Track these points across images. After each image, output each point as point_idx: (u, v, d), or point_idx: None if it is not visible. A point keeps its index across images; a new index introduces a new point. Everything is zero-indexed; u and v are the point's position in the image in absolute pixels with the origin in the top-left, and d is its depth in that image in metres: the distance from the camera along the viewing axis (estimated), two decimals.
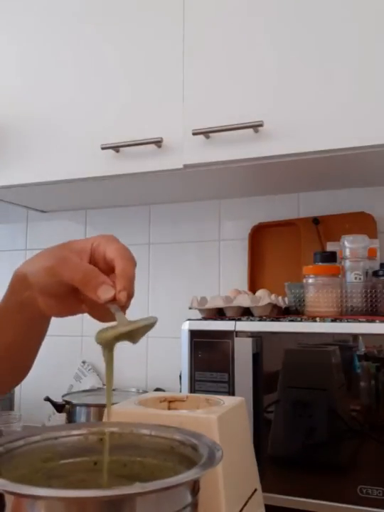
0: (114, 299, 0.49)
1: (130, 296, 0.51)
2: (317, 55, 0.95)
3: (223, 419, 0.55)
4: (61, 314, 0.55)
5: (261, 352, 0.90)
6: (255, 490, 0.62)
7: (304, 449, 0.86)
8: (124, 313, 0.51)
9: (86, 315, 0.54)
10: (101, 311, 0.52)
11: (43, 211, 1.56)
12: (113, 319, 0.51)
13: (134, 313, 1.65)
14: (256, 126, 0.95)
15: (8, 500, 0.36)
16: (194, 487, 0.41)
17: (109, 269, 0.51)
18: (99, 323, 0.52)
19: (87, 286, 0.49)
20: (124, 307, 0.51)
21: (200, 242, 1.38)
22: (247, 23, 1.00)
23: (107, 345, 0.49)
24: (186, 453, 0.46)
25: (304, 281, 1.02)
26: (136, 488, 0.35)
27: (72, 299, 0.53)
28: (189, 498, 0.40)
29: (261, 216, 1.31)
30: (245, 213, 1.33)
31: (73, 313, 0.55)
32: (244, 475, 0.61)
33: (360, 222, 1.18)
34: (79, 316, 0.55)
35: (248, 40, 1.00)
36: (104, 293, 0.49)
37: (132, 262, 0.52)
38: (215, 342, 0.93)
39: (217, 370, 0.92)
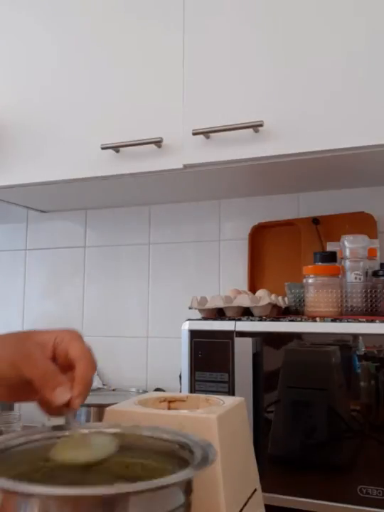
0: (68, 404, 0.49)
1: (84, 400, 0.51)
2: (318, 55, 0.95)
3: (223, 419, 0.55)
4: (10, 400, 0.54)
5: (261, 352, 0.90)
6: (255, 490, 0.62)
7: (304, 449, 0.86)
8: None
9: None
10: (49, 406, 0.51)
11: (43, 211, 1.56)
12: (54, 413, 0.51)
13: (134, 312, 1.65)
14: (256, 126, 0.95)
15: (3, 497, 0.36)
16: (187, 488, 0.41)
17: (68, 366, 0.52)
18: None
19: (44, 386, 0.49)
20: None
21: (200, 242, 1.38)
22: (247, 24, 1.00)
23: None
24: (185, 456, 0.46)
25: (304, 281, 1.02)
26: (125, 487, 0.36)
27: (26, 389, 0.51)
28: (182, 499, 0.40)
29: (261, 216, 1.31)
30: (245, 213, 1.33)
31: (21, 401, 0.54)
32: (244, 475, 0.61)
33: (360, 222, 1.18)
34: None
35: (248, 40, 1.00)
36: (60, 396, 0.48)
37: (93, 366, 0.52)
38: (215, 342, 0.93)
39: (217, 370, 0.92)
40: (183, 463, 0.46)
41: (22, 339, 0.53)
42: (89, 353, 0.52)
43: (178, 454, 0.47)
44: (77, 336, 0.54)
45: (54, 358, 0.52)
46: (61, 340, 0.52)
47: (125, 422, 0.51)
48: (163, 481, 0.37)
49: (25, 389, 0.51)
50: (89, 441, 0.49)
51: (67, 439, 0.49)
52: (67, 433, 0.49)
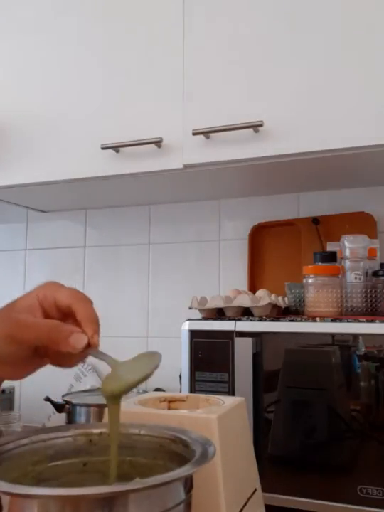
0: (88, 345, 0.48)
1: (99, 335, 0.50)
2: (317, 55, 0.95)
3: (223, 419, 0.55)
4: (19, 377, 0.52)
5: (261, 352, 0.90)
6: (255, 490, 0.62)
7: (304, 449, 0.86)
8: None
9: None
10: (67, 359, 0.50)
11: (43, 211, 1.56)
12: (75, 362, 0.50)
13: (134, 312, 1.65)
14: (256, 126, 0.95)
15: (5, 500, 0.36)
16: (187, 484, 0.41)
17: (64, 317, 0.50)
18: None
19: (57, 341, 0.47)
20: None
21: (200, 242, 1.38)
22: (247, 23, 1.00)
23: (117, 397, 0.47)
24: (177, 450, 0.46)
25: (304, 281, 1.02)
26: (135, 484, 0.36)
27: (30, 359, 0.50)
28: (182, 496, 0.40)
29: (261, 216, 1.31)
30: (245, 213, 1.33)
31: (33, 372, 0.52)
32: (244, 475, 0.61)
33: (360, 222, 1.18)
34: None
35: (248, 39, 1.00)
36: (78, 342, 0.47)
37: (90, 302, 0.51)
38: (215, 342, 0.93)
39: (217, 370, 0.92)
40: (176, 457, 0.46)
41: (6, 311, 0.50)
42: (78, 293, 0.51)
43: (169, 449, 0.47)
44: (57, 286, 0.52)
45: (47, 316, 0.50)
46: (44, 296, 0.51)
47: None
48: (163, 478, 0.37)
49: (30, 359, 0.50)
50: (131, 365, 0.49)
51: (110, 374, 0.48)
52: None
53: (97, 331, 0.49)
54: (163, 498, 0.38)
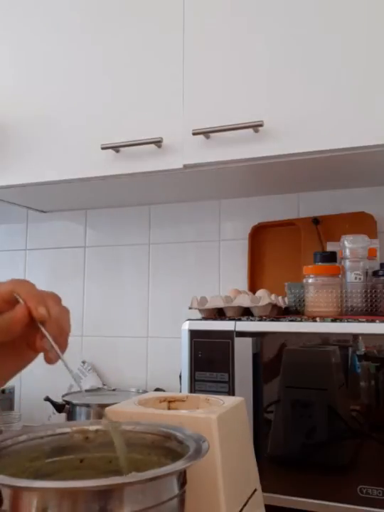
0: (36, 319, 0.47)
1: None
2: (317, 55, 0.95)
3: (223, 419, 0.55)
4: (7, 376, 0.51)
5: (261, 352, 0.90)
6: (255, 490, 0.62)
7: (304, 449, 0.86)
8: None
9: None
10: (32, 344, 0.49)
11: (43, 211, 1.56)
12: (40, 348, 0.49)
13: (134, 312, 1.65)
14: (256, 126, 0.95)
15: (6, 494, 0.37)
16: (180, 478, 0.41)
17: (11, 306, 0.49)
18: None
19: (4, 331, 0.46)
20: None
21: (200, 242, 1.38)
22: (247, 23, 1.00)
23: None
24: (171, 446, 0.47)
25: (304, 281, 1.02)
26: (130, 477, 0.37)
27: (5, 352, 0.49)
28: (176, 490, 0.41)
29: (261, 216, 1.31)
30: (245, 213, 1.33)
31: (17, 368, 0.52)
32: (244, 475, 0.61)
33: (360, 222, 1.18)
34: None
35: (248, 40, 1.00)
36: (15, 316, 0.46)
37: (30, 283, 0.50)
38: (215, 342, 0.93)
39: (217, 370, 0.92)
40: (170, 453, 0.46)
41: None
42: (17, 279, 0.50)
43: (163, 445, 0.48)
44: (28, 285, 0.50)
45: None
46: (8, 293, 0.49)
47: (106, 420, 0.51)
48: (158, 472, 0.38)
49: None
50: None
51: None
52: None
53: (40, 303, 0.49)
54: (157, 491, 0.39)
